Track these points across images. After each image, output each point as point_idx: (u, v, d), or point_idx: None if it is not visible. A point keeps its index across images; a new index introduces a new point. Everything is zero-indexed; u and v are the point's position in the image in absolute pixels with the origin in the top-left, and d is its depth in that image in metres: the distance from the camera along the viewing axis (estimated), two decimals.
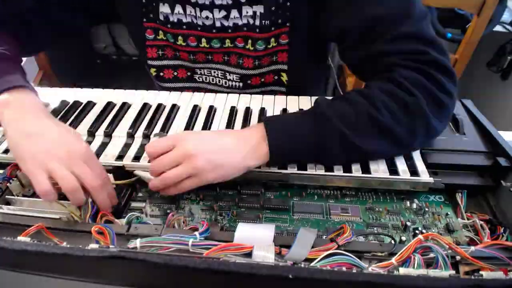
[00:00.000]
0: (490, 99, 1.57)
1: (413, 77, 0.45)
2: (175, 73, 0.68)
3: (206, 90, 0.68)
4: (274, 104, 0.61)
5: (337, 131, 0.44)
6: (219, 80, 0.68)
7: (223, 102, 0.62)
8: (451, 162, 0.48)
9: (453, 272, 0.32)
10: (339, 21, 0.51)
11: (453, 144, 0.51)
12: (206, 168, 0.41)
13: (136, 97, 0.64)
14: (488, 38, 1.21)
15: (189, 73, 0.68)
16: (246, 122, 0.57)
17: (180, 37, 0.62)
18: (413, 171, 0.46)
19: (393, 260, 0.34)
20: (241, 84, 0.66)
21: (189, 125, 0.56)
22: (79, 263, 0.31)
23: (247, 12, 0.57)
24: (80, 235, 0.39)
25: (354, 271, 0.30)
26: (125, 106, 0.61)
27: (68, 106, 0.62)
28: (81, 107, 0.61)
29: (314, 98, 0.62)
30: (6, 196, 0.44)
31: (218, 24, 0.59)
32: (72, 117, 0.58)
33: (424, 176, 0.46)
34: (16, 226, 0.39)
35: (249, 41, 0.60)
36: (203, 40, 0.61)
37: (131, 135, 0.54)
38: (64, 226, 0.39)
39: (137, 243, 0.35)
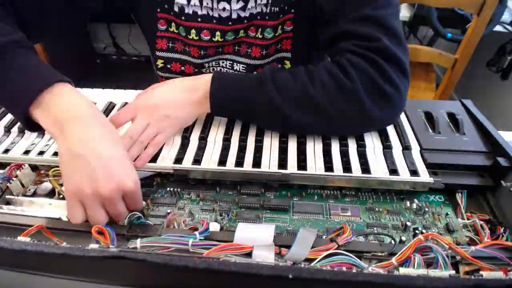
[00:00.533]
0: (490, 99, 1.57)
1: (356, 62, 0.47)
2: (182, 68, 0.68)
3: None
4: None
5: (267, 94, 0.48)
6: (226, 71, 0.68)
7: None
8: (451, 162, 0.48)
9: (453, 272, 0.32)
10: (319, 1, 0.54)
11: (453, 144, 0.51)
12: (170, 121, 0.49)
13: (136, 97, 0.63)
14: (488, 38, 1.21)
15: (196, 70, 0.68)
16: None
17: (193, 31, 0.61)
18: (413, 171, 0.46)
19: (393, 260, 0.34)
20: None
21: (189, 125, 0.55)
22: (79, 263, 0.31)
23: (261, 0, 0.58)
24: (80, 235, 0.39)
25: (354, 271, 0.30)
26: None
27: None
28: None
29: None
30: (6, 196, 0.44)
31: (234, 15, 0.59)
32: None
33: (424, 176, 0.46)
34: (16, 226, 0.39)
35: (259, 29, 0.61)
36: (218, 33, 0.61)
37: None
38: (64, 226, 0.39)
39: (137, 243, 0.35)
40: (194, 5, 0.59)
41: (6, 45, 0.42)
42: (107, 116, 0.58)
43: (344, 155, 0.50)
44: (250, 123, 0.54)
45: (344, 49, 0.50)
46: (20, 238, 0.35)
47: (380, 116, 0.48)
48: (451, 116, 0.57)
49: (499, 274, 0.32)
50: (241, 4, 0.58)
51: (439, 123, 0.55)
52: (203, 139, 0.53)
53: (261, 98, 0.48)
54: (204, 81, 0.50)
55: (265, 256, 0.34)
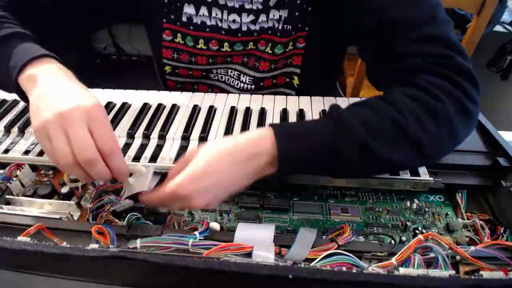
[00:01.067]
0: (490, 99, 1.57)
1: (440, 83, 0.42)
2: (190, 72, 0.68)
3: (220, 88, 0.69)
4: (274, 104, 0.61)
5: (357, 138, 0.37)
6: (233, 81, 0.67)
7: (223, 102, 0.62)
8: (451, 162, 0.48)
9: (453, 272, 0.32)
10: (360, 20, 0.50)
11: None
12: (205, 200, 0.36)
13: (136, 97, 0.64)
14: (488, 38, 1.21)
15: (204, 73, 0.68)
16: (246, 122, 0.57)
17: (201, 40, 0.61)
18: (413, 171, 0.46)
19: (393, 260, 0.34)
20: (253, 86, 0.66)
21: (189, 125, 0.55)
22: (79, 263, 0.31)
23: (273, 16, 0.58)
24: (80, 235, 0.39)
25: (354, 271, 0.30)
26: (125, 106, 0.61)
27: None
28: None
29: (314, 98, 0.62)
30: (6, 196, 0.44)
31: (244, 28, 0.59)
32: None
33: (424, 176, 0.46)
34: (16, 226, 0.39)
35: (270, 44, 0.60)
36: (226, 44, 0.61)
37: (131, 135, 0.54)
38: (64, 226, 0.39)
39: (137, 243, 0.35)
40: (203, 15, 0.59)
41: (10, 36, 0.47)
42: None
43: None
44: (333, 176, 0.43)
45: (417, 66, 0.43)
46: (20, 238, 0.35)
47: (465, 133, 0.43)
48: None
49: (499, 274, 0.32)
50: (251, 17, 0.58)
51: None
52: (203, 139, 0.53)
53: (349, 145, 0.37)
54: (265, 143, 0.38)
55: (265, 256, 0.34)
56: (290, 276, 0.26)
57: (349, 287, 0.28)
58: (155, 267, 0.28)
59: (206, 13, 0.59)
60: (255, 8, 0.57)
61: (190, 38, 0.62)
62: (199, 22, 0.60)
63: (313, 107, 0.60)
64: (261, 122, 0.56)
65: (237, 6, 0.57)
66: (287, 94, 0.67)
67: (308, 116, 0.58)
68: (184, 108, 0.60)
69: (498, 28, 1.36)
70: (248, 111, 0.59)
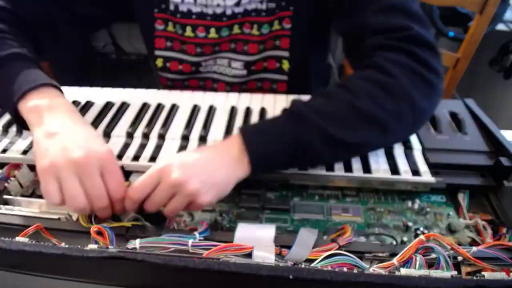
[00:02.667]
0: (493, 98, 1.57)
1: (395, 58, 0.43)
2: (180, 67, 0.68)
3: (212, 80, 0.69)
4: (275, 104, 0.61)
5: (315, 126, 0.40)
6: (224, 69, 0.68)
7: (223, 102, 0.61)
8: (453, 162, 0.48)
9: (455, 272, 0.32)
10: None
11: (455, 144, 0.51)
12: (201, 190, 0.38)
13: (135, 97, 0.63)
14: (491, 36, 1.20)
15: (193, 68, 0.68)
16: (246, 122, 0.56)
17: (188, 27, 0.61)
18: (415, 171, 0.46)
19: (395, 260, 0.34)
20: (245, 71, 0.67)
21: (189, 125, 0.55)
22: (78, 264, 0.30)
23: None
24: (79, 236, 0.39)
25: (355, 271, 0.30)
26: (124, 106, 0.61)
27: None
28: (80, 106, 0.61)
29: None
30: (4, 196, 0.44)
31: (228, 11, 0.59)
32: None
33: (426, 176, 0.46)
34: (14, 227, 0.39)
35: (255, 25, 0.60)
36: (212, 30, 0.61)
37: (130, 135, 0.54)
38: (63, 227, 0.39)
39: (136, 243, 0.34)
40: (188, 2, 0.59)
41: (6, 57, 0.46)
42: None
43: None
44: (305, 168, 0.46)
45: (376, 45, 0.45)
46: (19, 239, 0.35)
47: (430, 107, 0.44)
48: (453, 116, 0.56)
49: (501, 275, 0.32)
50: (235, 0, 0.58)
51: (441, 123, 0.54)
52: (203, 138, 0.53)
53: (308, 133, 0.41)
54: (234, 144, 0.42)
55: (265, 256, 0.33)
56: (291, 277, 0.26)
57: None
58: (155, 267, 0.28)
59: (191, 0, 0.59)
60: None
61: (179, 26, 0.62)
62: (185, 10, 0.60)
63: None
64: None
65: None
66: (278, 80, 0.68)
67: None
68: (184, 107, 0.60)
69: (501, 26, 1.36)
70: (248, 111, 0.59)
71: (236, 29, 0.62)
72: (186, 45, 0.64)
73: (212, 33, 0.61)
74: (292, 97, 0.62)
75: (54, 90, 0.45)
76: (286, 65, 0.66)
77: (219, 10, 0.59)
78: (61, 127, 0.40)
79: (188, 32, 0.62)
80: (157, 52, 0.67)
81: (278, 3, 0.58)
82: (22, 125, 0.45)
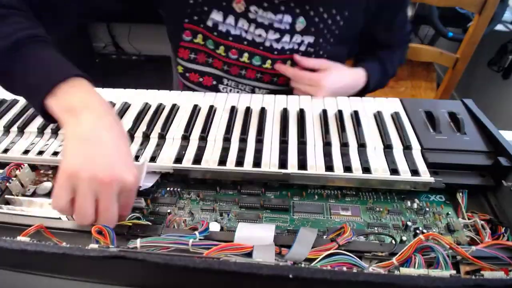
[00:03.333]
0: (491, 98, 1.57)
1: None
2: (201, 79, 0.68)
3: None
4: (275, 104, 0.61)
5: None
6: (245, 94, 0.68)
7: (223, 101, 0.61)
8: (452, 161, 0.48)
9: (454, 272, 0.32)
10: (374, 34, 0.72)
11: (454, 144, 0.51)
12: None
13: (136, 97, 0.64)
14: (490, 37, 1.20)
15: (214, 82, 0.69)
16: (246, 122, 0.56)
17: (222, 47, 0.63)
18: (414, 171, 0.46)
19: (394, 260, 0.34)
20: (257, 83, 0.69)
21: (189, 125, 0.55)
22: (79, 263, 0.31)
23: (296, 39, 0.62)
24: (80, 235, 0.39)
25: (355, 271, 0.30)
26: (125, 106, 0.61)
27: None
28: None
29: (313, 97, 0.62)
30: (6, 196, 0.44)
31: (267, 44, 0.62)
32: None
33: (425, 175, 0.46)
34: (16, 226, 0.39)
35: (288, 62, 0.64)
36: (245, 55, 0.63)
37: (131, 135, 0.54)
38: (64, 226, 0.39)
39: (137, 243, 0.35)
40: (229, 24, 0.60)
41: (24, 40, 0.41)
42: None
43: (345, 154, 0.50)
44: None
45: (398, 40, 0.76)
46: (20, 238, 0.35)
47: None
48: (452, 116, 0.56)
49: (500, 274, 0.32)
50: (277, 35, 0.61)
51: (440, 123, 0.55)
52: (203, 138, 0.53)
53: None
54: (361, 73, 0.68)
55: (265, 256, 0.34)
56: (291, 276, 0.26)
57: (349, 287, 0.27)
58: (155, 267, 0.28)
59: (233, 23, 0.60)
60: (283, 28, 0.60)
61: (211, 41, 0.63)
62: (224, 30, 0.61)
63: (314, 106, 0.60)
64: (261, 122, 0.56)
65: (266, 23, 0.60)
66: (280, 75, 0.69)
67: (308, 116, 0.58)
68: (184, 108, 0.60)
69: (500, 27, 1.36)
70: (248, 111, 0.59)
71: (268, 64, 0.64)
72: (213, 59, 0.65)
73: (245, 58, 0.63)
74: (291, 97, 0.63)
75: (85, 84, 0.41)
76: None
77: (258, 40, 0.62)
78: (94, 133, 0.37)
79: (221, 50, 0.63)
80: (179, 61, 0.68)
81: (317, 51, 0.63)
82: (48, 119, 0.41)
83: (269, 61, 0.64)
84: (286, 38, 0.62)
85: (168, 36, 0.69)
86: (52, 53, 0.43)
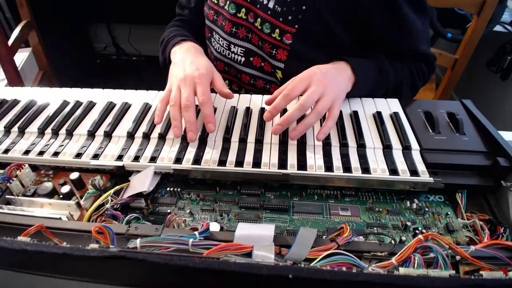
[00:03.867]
0: (490, 99, 1.57)
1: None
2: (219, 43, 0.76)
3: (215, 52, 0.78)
4: None
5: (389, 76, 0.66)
6: (223, 50, 0.74)
7: (223, 102, 0.62)
8: (451, 162, 0.48)
9: (453, 272, 0.32)
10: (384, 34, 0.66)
11: (453, 144, 0.51)
12: (330, 84, 0.53)
13: (136, 97, 0.64)
14: (488, 38, 1.21)
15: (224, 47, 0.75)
16: (246, 122, 0.57)
17: (243, 9, 0.67)
18: (413, 171, 0.46)
19: (393, 260, 0.34)
20: (243, 59, 0.71)
21: None
22: (79, 263, 0.31)
23: None
24: (80, 235, 0.39)
25: (354, 271, 0.30)
26: (125, 106, 0.61)
27: (68, 106, 0.62)
28: (82, 107, 0.61)
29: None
30: (6, 196, 0.44)
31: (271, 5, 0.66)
32: (73, 117, 0.58)
33: (424, 176, 0.46)
34: (16, 226, 0.39)
35: (258, 19, 0.65)
36: (259, 19, 0.66)
37: (131, 135, 0.54)
38: (64, 226, 0.39)
39: (137, 243, 0.35)
40: None
41: (177, 37, 0.70)
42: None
43: (344, 155, 0.50)
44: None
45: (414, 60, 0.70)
46: (20, 238, 0.35)
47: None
48: (451, 116, 0.57)
49: (499, 274, 0.32)
50: None
51: (439, 123, 0.55)
52: (203, 139, 0.53)
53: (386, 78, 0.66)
54: (345, 66, 0.61)
55: (265, 256, 0.34)
56: (290, 276, 0.26)
57: (349, 287, 0.28)
58: (155, 267, 0.28)
59: None
60: None
61: (233, 5, 0.67)
62: None
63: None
64: (261, 122, 0.56)
65: None
66: (272, 82, 0.72)
67: None
68: None
69: (498, 28, 1.36)
70: (248, 111, 0.59)
71: (242, 14, 0.67)
72: (226, 21, 0.70)
73: (257, 23, 0.66)
74: None
75: (187, 42, 0.68)
76: (279, 75, 0.69)
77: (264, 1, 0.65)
78: (184, 59, 0.61)
79: (242, 14, 0.68)
80: (206, 22, 0.76)
81: (284, 11, 0.62)
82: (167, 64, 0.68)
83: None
84: None
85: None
86: (186, 40, 0.69)
